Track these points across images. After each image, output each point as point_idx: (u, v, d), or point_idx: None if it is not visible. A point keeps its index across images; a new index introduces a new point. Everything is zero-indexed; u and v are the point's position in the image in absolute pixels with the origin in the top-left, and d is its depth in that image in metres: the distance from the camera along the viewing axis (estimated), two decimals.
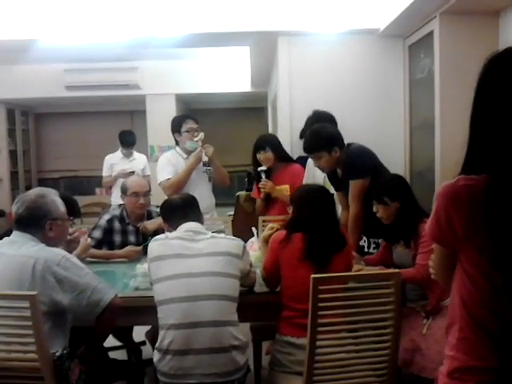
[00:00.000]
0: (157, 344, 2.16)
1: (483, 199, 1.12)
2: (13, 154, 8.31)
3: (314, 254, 2.34)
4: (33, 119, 9.14)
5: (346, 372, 2.09)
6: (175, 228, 2.39)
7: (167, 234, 2.39)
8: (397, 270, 2.05)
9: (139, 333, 3.62)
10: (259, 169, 3.62)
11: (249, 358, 2.35)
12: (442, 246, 1.25)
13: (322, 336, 2.00)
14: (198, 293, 2.15)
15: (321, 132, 3.12)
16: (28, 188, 8.65)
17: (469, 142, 1.19)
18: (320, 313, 1.94)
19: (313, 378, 2.04)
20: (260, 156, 3.63)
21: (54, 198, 2.25)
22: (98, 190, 8.76)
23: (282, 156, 3.69)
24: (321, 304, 1.92)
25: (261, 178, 3.63)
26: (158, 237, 2.38)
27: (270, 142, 3.67)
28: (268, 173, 3.63)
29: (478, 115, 1.19)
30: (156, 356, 2.16)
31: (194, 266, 2.21)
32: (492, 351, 1.15)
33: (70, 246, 2.50)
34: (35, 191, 2.28)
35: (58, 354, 1.89)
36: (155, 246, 2.32)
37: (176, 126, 3.92)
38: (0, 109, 7.90)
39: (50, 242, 2.17)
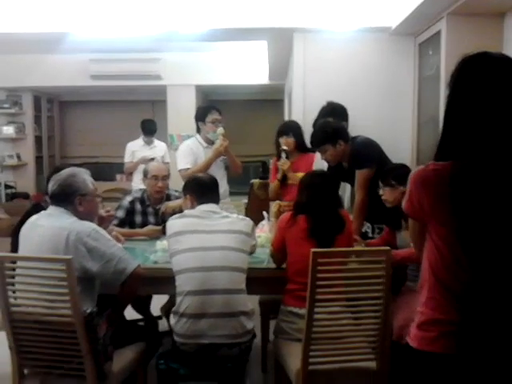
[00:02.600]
0: (174, 308, 2.43)
1: (448, 181, 1.34)
2: (38, 140, 8.64)
3: (317, 235, 2.57)
4: (58, 106, 9.47)
5: (341, 338, 2.34)
6: (198, 202, 2.65)
7: (185, 212, 2.66)
8: (388, 248, 2.28)
9: (155, 308, 3.90)
10: (282, 147, 3.77)
11: (256, 328, 2.61)
12: (414, 219, 1.49)
13: (320, 305, 2.25)
14: (213, 264, 2.41)
15: (325, 127, 3.34)
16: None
17: (441, 134, 1.42)
18: (318, 283, 2.19)
19: (310, 345, 2.28)
20: (282, 140, 3.80)
21: (84, 177, 2.51)
22: (118, 176, 9.03)
23: (301, 144, 3.85)
24: (319, 275, 2.17)
25: (281, 157, 3.78)
26: (176, 215, 2.65)
27: (293, 129, 3.86)
28: (287, 156, 3.79)
29: (449, 112, 1.41)
30: (173, 319, 2.43)
31: (210, 240, 2.47)
32: (454, 307, 1.38)
33: (102, 223, 2.77)
34: (67, 171, 2.54)
35: (88, 311, 2.17)
36: (174, 223, 2.58)
37: (201, 115, 4.07)
38: (27, 96, 8.24)
39: (81, 216, 2.43)
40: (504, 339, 1.35)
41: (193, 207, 2.67)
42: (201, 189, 2.71)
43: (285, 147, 3.77)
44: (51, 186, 2.49)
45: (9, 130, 8.06)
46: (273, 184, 3.96)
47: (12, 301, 2.24)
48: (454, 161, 1.36)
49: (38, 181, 8.49)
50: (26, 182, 8.27)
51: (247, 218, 2.70)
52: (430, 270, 1.43)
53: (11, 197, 7.72)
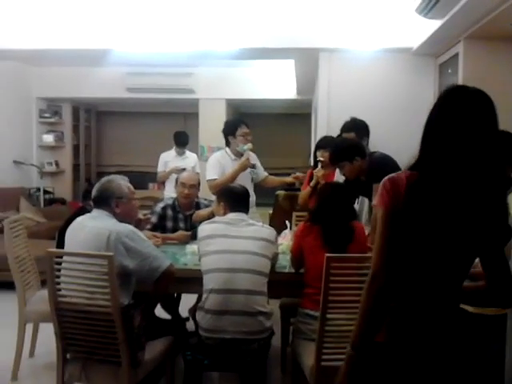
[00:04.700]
0: (200, 304, 2.69)
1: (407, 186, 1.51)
2: (76, 148, 9.04)
3: (331, 243, 2.78)
4: (95, 116, 9.89)
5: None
6: (230, 209, 2.92)
7: (215, 218, 2.92)
8: None
9: (183, 310, 4.15)
10: (319, 158, 4.13)
11: (276, 327, 2.84)
12: (385, 213, 1.58)
13: (333, 306, 2.46)
14: (238, 266, 2.66)
15: (342, 144, 3.59)
16: (88, 180, 9.42)
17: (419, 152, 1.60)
18: (332, 285, 2.41)
19: (323, 343, 2.51)
20: (319, 153, 4.15)
21: (119, 182, 2.80)
22: (150, 185, 9.37)
23: None
24: (332, 278, 2.39)
25: (317, 166, 4.13)
26: (207, 221, 2.92)
27: (330, 144, 4.12)
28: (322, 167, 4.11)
29: (425, 134, 1.58)
30: (199, 314, 2.69)
31: (237, 245, 2.72)
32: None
33: (140, 224, 3.05)
34: (105, 178, 2.86)
35: (125, 303, 2.43)
36: (206, 227, 2.85)
37: (231, 129, 4.33)
38: (67, 107, 8.66)
39: (119, 217, 2.71)
40: (427, 331, 1.54)
41: (225, 214, 2.93)
42: (234, 198, 2.98)
43: (321, 158, 4.09)
44: (93, 192, 2.79)
45: (49, 138, 8.46)
46: (304, 191, 4.28)
47: (58, 292, 2.52)
48: (413, 171, 1.54)
49: (75, 187, 8.91)
50: (64, 188, 8.65)
51: (271, 228, 2.94)
52: None
53: (49, 202, 8.08)
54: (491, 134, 1.53)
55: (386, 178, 1.59)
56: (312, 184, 4.15)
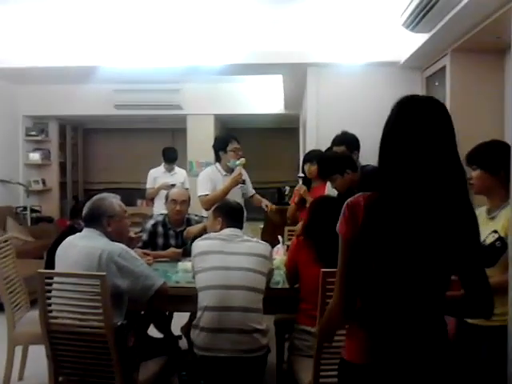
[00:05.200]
0: (194, 322, 2.64)
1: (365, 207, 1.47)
2: (62, 166, 8.94)
3: (324, 258, 2.74)
4: (81, 134, 9.82)
5: None
6: (227, 225, 2.90)
7: (210, 234, 2.89)
8: None
9: (176, 328, 4.10)
10: (298, 175, 4.14)
11: (271, 343, 2.79)
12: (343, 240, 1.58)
13: None
14: (232, 283, 2.62)
15: (332, 157, 3.59)
16: (75, 198, 9.32)
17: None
18: (328, 301, 2.37)
19: (321, 359, 2.46)
20: (306, 167, 4.14)
21: (111, 200, 2.77)
22: (139, 202, 9.29)
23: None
24: (328, 293, 2.36)
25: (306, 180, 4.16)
26: (201, 237, 2.89)
27: (316, 157, 4.12)
28: (307, 181, 4.15)
29: (381, 150, 1.52)
30: (193, 332, 2.64)
31: (232, 261, 2.69)
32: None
33: (131, 243, 3.01)
34: (97, 196, 2.82)
35: (118, 323, 2.39)
36: (200, 244, 2.82)
37: (222, 145, 4.34)
38: (54, 124, 8.58)
39: (111, 236, 2.67)
40: (413, 348, 1.48)
41: (221, 229, 2.91)
42: (231, 213, 2.97)
43: (301, 174, 4.10)
44: (84, 210, 2.74)
45: (35, 157, 8.35)
46: (291, 205, 4.29)
47: (50, 313, 2.47)
48: (372, 192, 1.49)
49: (62, 206, 8.81)
50: (51, 207, 8.54)
51: (266, 243, 2.92)
52: None
53: (36, 220, 7.98)
54: (448, 140, 1.46)
55: (346, 202, 1.54)
56: (296, 200, 4.14)
